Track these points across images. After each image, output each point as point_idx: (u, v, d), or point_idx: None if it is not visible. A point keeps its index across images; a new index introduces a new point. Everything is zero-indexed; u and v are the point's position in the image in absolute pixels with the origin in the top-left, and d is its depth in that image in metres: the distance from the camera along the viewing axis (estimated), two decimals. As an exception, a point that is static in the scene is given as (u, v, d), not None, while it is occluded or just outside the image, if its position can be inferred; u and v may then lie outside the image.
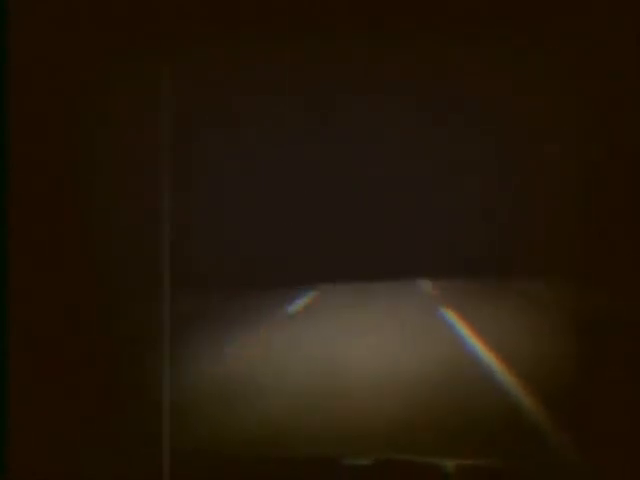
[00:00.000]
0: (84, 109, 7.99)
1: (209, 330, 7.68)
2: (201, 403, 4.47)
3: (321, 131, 15.51)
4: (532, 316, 8.05)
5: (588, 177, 11.07)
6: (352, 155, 16.44)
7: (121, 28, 7.95)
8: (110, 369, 5.43)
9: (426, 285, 12.92)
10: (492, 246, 14.80)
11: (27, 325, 4.80)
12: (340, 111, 15.08)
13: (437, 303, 9.73)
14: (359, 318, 8.32)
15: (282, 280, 14.72)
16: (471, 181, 16.15)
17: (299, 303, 10.41)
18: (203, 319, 8.70)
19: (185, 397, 4.63)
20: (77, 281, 7.57)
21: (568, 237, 11.70)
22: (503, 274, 13.55)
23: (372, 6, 8.98)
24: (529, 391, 4.48)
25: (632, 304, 8.12)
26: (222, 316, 9.03)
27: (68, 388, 4.63)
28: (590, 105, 10.71)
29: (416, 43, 11.09)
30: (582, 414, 3.96)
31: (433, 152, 16.08)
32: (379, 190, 17.25)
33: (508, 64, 12.04)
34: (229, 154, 15.33)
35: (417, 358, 5.58)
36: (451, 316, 8.18)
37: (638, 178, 9.59)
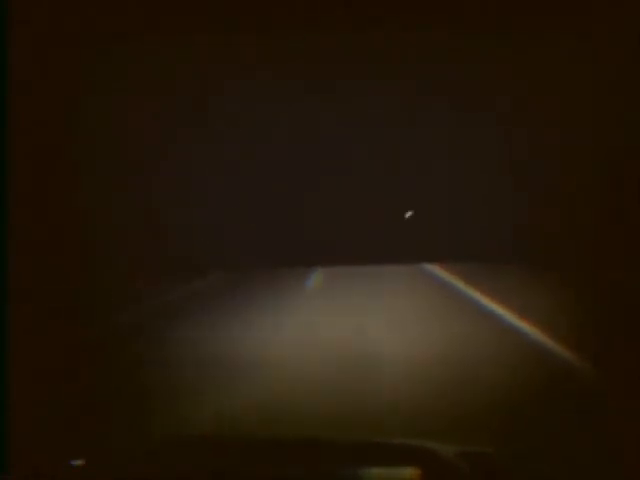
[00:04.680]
0: (84, 107, 7.99)
1: (215, 311, 7.74)
2: (207, 384, 4.52)
3: (326, 113, 15.36)
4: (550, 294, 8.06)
5: (602, 162, 11.05)
6: (363, 137, 16.25)
7: (119, 24, 7.95)
8: (111, 367, 5.44)
9: (440, 268, 12.89)
10: (502, 229, 14.58)
11: (27, 325, 4.82)
12: (341, 95, 14.93)
13: (451, 284, 9.75)
14: (370, 300, 8.36)
15: (293, 261, 14.47)
16: (479, 165, 15.99)
17: (310, 284, 10.43)
18: (210, 301, 8.76)
19: (189, 380, 4.67)
20: (74, 269, 7.58)
21: (582, 219, 11.70)
22: (516, 256, 13.42)
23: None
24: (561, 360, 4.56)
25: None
26: (229, 297, 9.07)
27: (69, 385, 4.65)
28: (606, 95, 10.71)
29: (419, 31, 11.04)
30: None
31: (445, 135, 15.88)
32: (388, 174, 17.04)
33: (513, 52, 12.00)
34: (230, 139, 15.15)
35: (432, 339, 5.61)
36: (467, 297, 8.20)
37: None
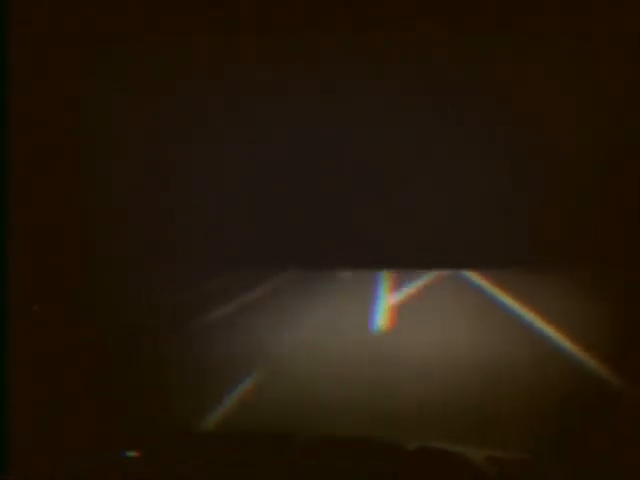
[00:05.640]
0: (84, 107, 7.99)
1: (242, 310, 7.77)
2: (211, 384, 4.54)
3: (326, 113, 15.24)
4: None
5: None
6: (363, 137, 16.13)
7: (119, 24, 7.95)
8: (111, 367, 5.44)
9: (472, 274, 12.86)
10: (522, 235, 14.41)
11: (27, 325, 4.82)
12: (341, 95, 14.86)
13: (482, 289, 9.75)
14: (402, 304, 8.37)
15: (323, 263, 14.32)
16: (479, 165, 15.89)
17: (342, 287, 10.44)
18: (233, 299, 8.80)
19: (213, 379, 4.69)
20: (74, 269, 7.58)
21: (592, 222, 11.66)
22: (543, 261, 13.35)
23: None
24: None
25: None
26: (258, 296, 9.10)
27: (69, 385, 4.64)
28: (606, 95, 10.71)
29: (420, 29, 11.02)
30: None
31: (445, 135, 15.79)
32: (393, 173, 16.91)
33: (513, 52, 11.98)
34: (231, 139, 15.04)
35: (462, 343, 5.65)
36: (498, 302, 8.22)
37: None
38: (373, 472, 1.88)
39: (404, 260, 13.99)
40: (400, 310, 7.63)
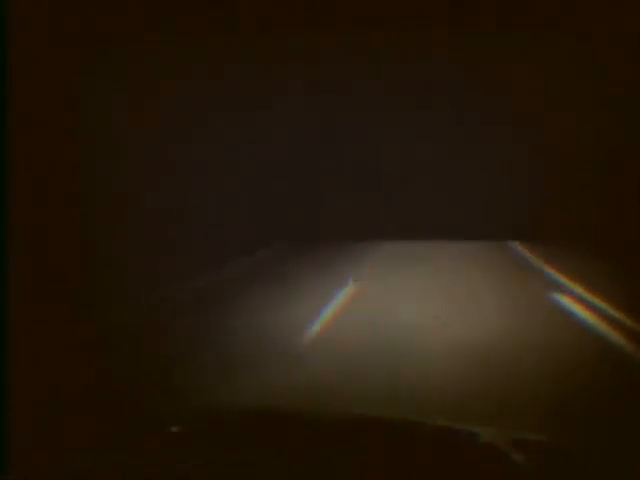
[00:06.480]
0: (84, 107, 8.00)
1: (265, 289, 7.81)
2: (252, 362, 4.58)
3: (326, 113, 15.20)
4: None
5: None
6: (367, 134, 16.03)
7: (119, 24, 7.97)
8: (111, 366, 5.44)
9: (510, 246, 12.78)
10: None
11: (27, 325, 4.82)
12: (341, 95, 14.84)
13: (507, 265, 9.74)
14: (427, 278, 8.39)
15: (349, 238, 14.27)
16: (478, 163, 15.80)
17: (366, 262, 10.43)
18: (259, 277, 8.84)
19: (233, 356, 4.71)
20: (74, 269, 7.59)
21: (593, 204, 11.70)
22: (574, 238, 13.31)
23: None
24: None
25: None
26: (284, 274, 9.13)
27: (69, 385, 4.65)
28: (606, 95, 10.74)
29: (420, 29, 11.05)
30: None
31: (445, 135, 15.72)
32: (394, 171, 16.83)
33: (514, 52, 12.02)
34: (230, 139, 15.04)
35: (495, 319, 5.66)
36: (538, 276, 8.20)
37: None
38: (391, 453, 1.86)
39: (405, 257, 13.94)
40: (428, 286, 7.60)
